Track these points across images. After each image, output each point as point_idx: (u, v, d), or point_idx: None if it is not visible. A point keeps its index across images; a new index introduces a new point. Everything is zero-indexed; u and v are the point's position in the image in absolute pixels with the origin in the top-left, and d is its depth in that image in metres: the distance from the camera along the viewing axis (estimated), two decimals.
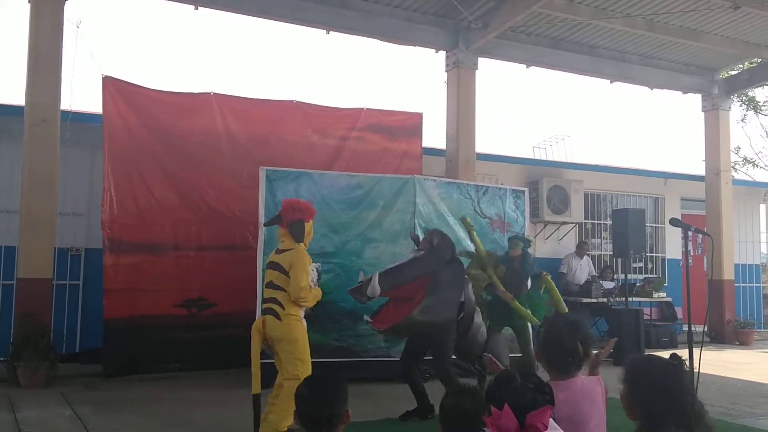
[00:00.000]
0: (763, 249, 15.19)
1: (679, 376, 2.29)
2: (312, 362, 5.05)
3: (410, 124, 9.85)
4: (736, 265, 12.74)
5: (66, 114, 7.82)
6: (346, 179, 7.87)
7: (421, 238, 6.19)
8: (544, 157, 13.83)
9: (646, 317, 10.48)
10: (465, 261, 6.75)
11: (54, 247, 7.62)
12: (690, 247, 13.08)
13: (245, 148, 8.62)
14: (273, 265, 5.03)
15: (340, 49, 63.61)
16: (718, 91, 12.37)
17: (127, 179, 7.99)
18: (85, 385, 7.18)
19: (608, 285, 10.83)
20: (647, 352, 8.16)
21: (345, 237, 7.65)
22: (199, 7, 8.64)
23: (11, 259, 7.86)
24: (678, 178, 13.30)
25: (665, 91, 12.42)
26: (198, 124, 8.49)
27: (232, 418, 5.70)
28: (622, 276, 10.08)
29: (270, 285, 5.02)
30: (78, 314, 8.49)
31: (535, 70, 11.16)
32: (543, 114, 37.86)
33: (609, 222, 11.87)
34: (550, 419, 2.07)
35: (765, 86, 16.72)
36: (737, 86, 13.01)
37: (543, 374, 2.57)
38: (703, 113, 12.59)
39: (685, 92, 12.51)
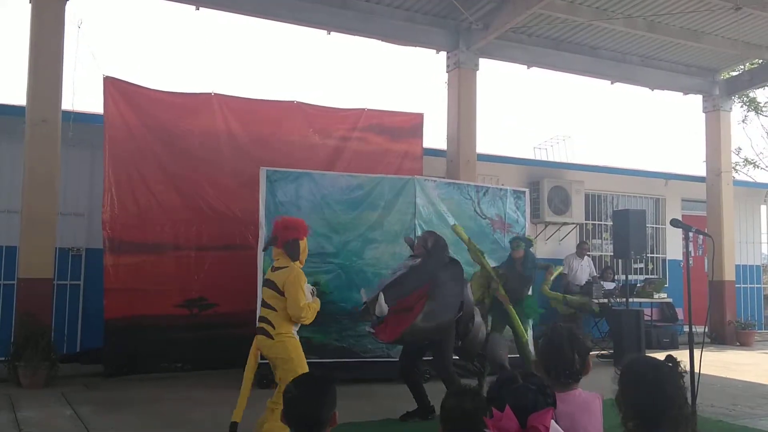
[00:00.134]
0: (764, 250, 15.18)
1: (674, 378, 2.29)
2: (313, 362, 5.03)
3: (411, 125, 9.86)
4: (737, 266, 12.73)
5: (68, 114, 7.83)
6: (346, 180, 7.88)
7: (409, 227, 6.19)
8: (544, 158, 13.84)
9: (646, 318, 10.46)
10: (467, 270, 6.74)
11: (54, 247, 7.62)
12: (691, 248, 13.08)
13: (246, 149, 8.63)
14: (268, 283, 4.96)
15: (341, 49, 63.68)
16: (719, 92, 12.37)
17: (128, 179, 8.00)
18: (85, 385, 7.19)
19: (609, 286, 10.82)
20: (648, 353, 8.16)
21: (345, 237, 7.65)
22: (200, 8, 8.64)
23: (12, 259, 7.86)
24: (679, 179, 13.29)
25: (666, 92, 12.43)
26: (199, 124, 8.49)
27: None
28: (623, 277, 10.06)
29: (264, 304, 4.97)
30: (78, 314, 8.49)
31: (536, 71, 11.18)
32: (544, 115, 37.91)
33: (610, 223, 11.85)
34: (552, 421, 2.07)
35: (766, 87, 16.69)
36: (738, 87, 13.00)
37: None
38: (704, 114, 12.59)
39: (685, 93, 12.51)
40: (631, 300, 9.82)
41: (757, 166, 22.46)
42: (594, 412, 2.70)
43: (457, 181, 8.90)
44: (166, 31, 43.61)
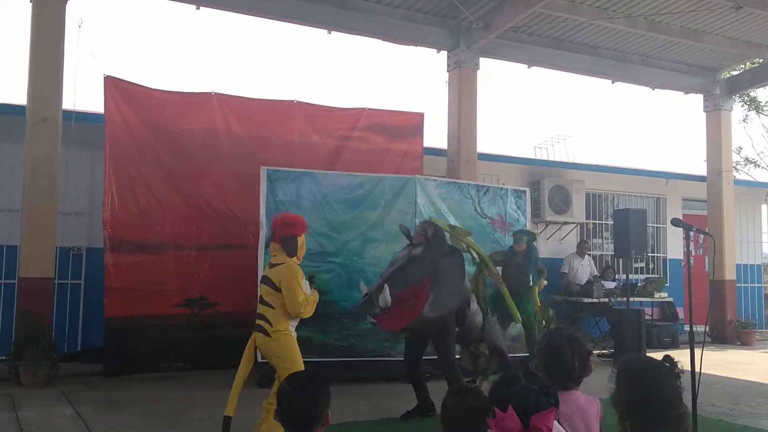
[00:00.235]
0: (765, 249, 15.17)
1: (669, 378, 2.29)
2: (313, 362, 5.03)
3: (411, 124, 9.85)
4: (738, 266, 12.72)
5: (70, 113, 7.83)
6: (347, 179, 7.88)
7: (412, 232, 6.15)
8: (545, 157, 13.81)
9: (647, 317, 10.46)
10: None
11: (55, 246, 7.62)
12: (691, 248, 13.06)
13: (246, 148, 8.62)
14: (265, 280, 4.96)
15: (342, 49, 63.67)
16: (719, 92, 12.36)
17: (128, 178, 7.99)
18: (86, 384, 7.18)
19: (609, 285, 10.82)
20: (648, 352, 8.16)
21: (346, 237, 7.65)
22: (200, 7, 8.63)
23: (13, 258, 7.86)
24: (679, 179, 13.28)
25: (667, 91, 12.42)
26: (199, 123, 8.49)
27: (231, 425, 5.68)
28: (624, 276, 10.06)
29: (261, 301, 4.98)
30: (79, 313, 8.49)
31: (537, 70, 11.17)
32: (544, 114, 37.85)
33: (610, 222, 11.84)
34: (555, 422, 2.06)
35: (767, 86, 16.68)
36: (739, 86, 12.99)
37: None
38: (704, 113, 12.58)
39: (686, 92, 12.50)
40: (631, 299, 9.83)
41: (758, 166, 22.49)
42: (590, 417, 2.70)
43: (457, 181, 8.89)
44: (166, 31, 43.63)
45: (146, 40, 39.09)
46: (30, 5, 7.65)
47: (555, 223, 11.58)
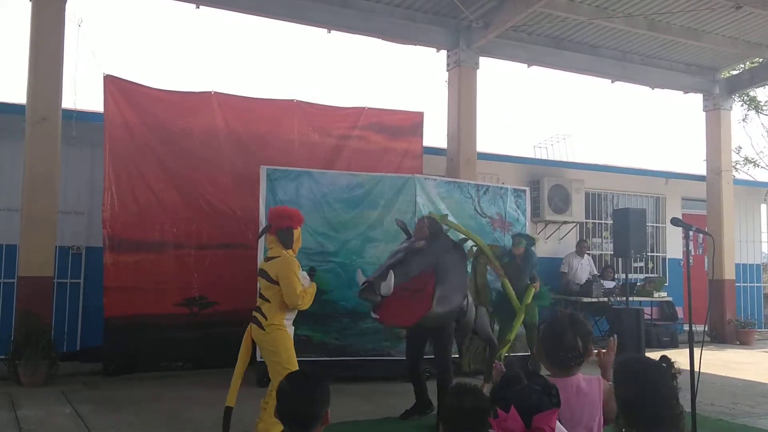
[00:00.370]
0: (764, 249, 15.18)
1: (666, 377, 2.29)
2: (313, 361, 5.03)
3: (411, 124, 9.84)
4: (737, 265, 12.73)
5: (70, 113, 7.83)
6: (346, 178, 7.88)
7: (410, 227, 6.14)
8: (545, 157, 13.83)
9: (646, 317, 10.47)
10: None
11: (55, 245, 7.62)
12: (691, 247, 13.08)
13: (246, 147, 8.61)
14: (262, 273, 4.97)
15: (341, 48, 63.65)
16: (719, 91, 12.37)
17: (128, 178, 7.99)
18: (85, 383, 7.18)
19: (609, 284, 10.83)
20: (648, 351, 8.17)
21: (346, 236, 7.65)
22: (200, 6, 8.63)
23: (12, 257, 7.86)
24: (679, 178, 13.29)
25: (666, 90, 12.42)
26: (199, 122, 8.48)
27: (232, 417, 5.68)
28: (623, 275, 10.07)
29: (259, 294, 5.00)
30: (78, 312, 8.49)
31: (536, 70, 11.18)
32: (544, 113, 37.88)
33: (610, 221, 11.85)
34: (556, 421, 2.06)
35: (766, 86, 16.69)
36: (738, 86, 12.99)
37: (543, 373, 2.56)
38: (704, 113, 12.59)
39: (686, 92, 12.50)
40: (631, 299, 9.83)
41: (758, 165, 22.50)
42: (590, 397, 2.69)
43: (457, 180, 8.89)
44: (166, 30, 43.61)
45: (146, 39, 39.11)
46: (30, 5, 7.64)
47: (554, 222, 11.59)
